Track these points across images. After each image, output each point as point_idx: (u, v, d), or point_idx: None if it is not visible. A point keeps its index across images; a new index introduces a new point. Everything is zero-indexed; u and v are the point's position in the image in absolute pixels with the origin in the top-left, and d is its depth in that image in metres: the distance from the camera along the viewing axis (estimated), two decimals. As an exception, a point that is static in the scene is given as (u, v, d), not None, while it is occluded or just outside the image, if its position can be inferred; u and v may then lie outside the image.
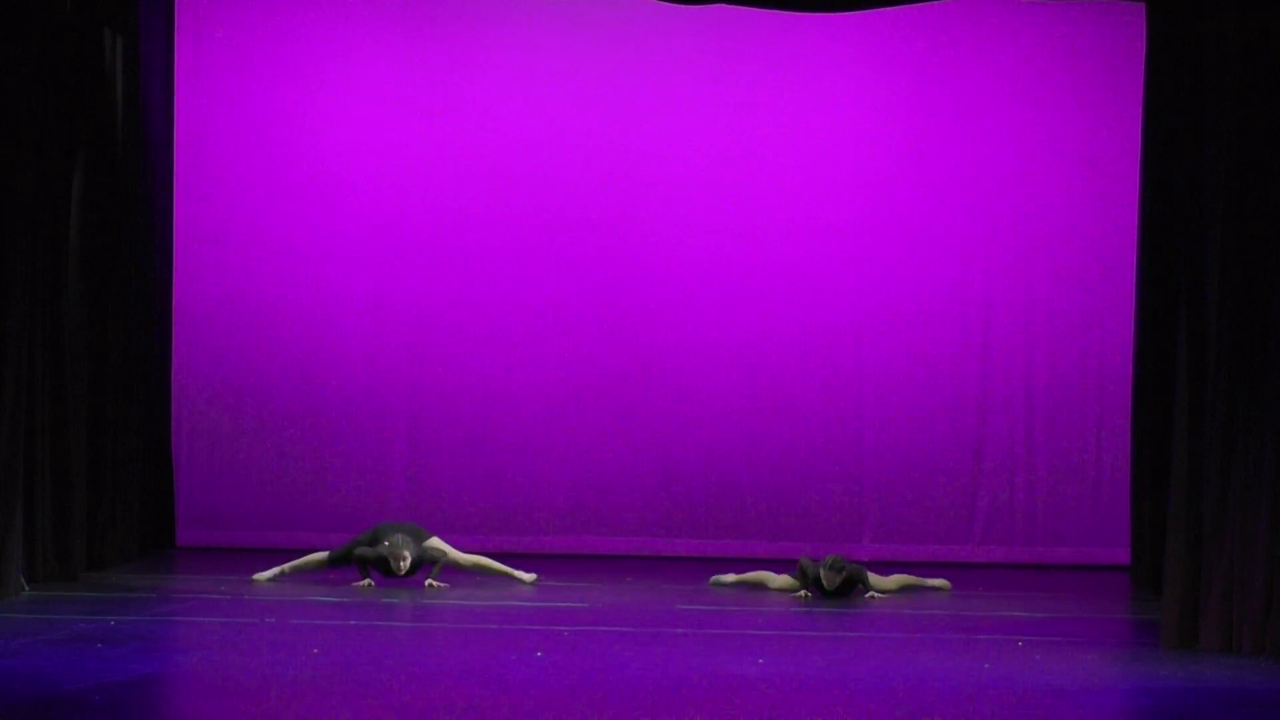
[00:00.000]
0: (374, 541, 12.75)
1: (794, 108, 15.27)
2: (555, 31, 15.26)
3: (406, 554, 12.54)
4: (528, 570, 13.25)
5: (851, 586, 12.49)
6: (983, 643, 10.37)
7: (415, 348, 15.14)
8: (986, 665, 9.51)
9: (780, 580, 12.79)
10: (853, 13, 14.24)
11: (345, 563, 12.84)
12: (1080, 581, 14.02)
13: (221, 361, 15.19)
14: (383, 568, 12.63)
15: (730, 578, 13.06)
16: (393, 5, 15.32)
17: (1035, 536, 15.14)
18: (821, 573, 12.39)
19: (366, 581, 12.57)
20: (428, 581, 12.57)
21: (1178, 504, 10.41)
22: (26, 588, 11.66)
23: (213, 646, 9.77)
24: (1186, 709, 8.49)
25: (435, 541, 12.83)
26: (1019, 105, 15.20)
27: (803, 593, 12.47)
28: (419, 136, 15.29)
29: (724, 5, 13.48)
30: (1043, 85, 15.17)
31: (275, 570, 12.91)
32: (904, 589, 12.88)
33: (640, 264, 15.28)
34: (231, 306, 15.19)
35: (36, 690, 8.19)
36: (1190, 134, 11.53)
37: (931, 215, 15.23)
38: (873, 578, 12.64)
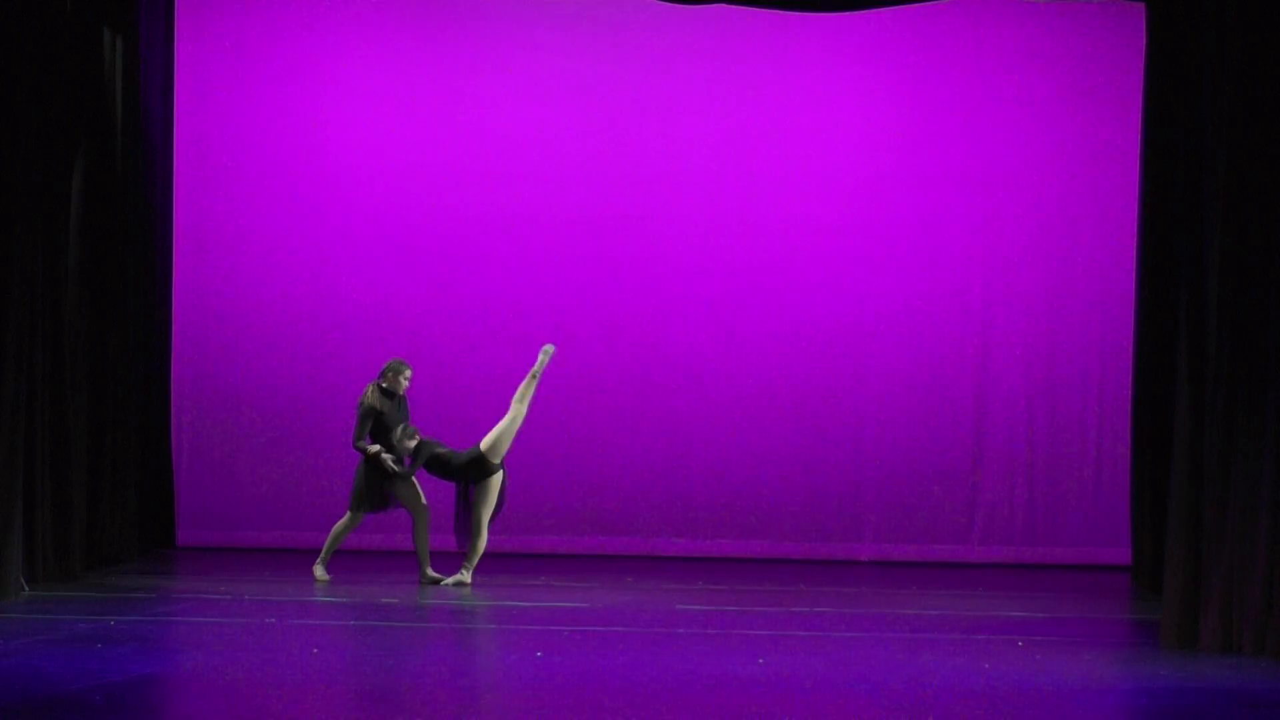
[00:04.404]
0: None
1: (794, 107, 15.27)
2: (555, 31, 15.26)
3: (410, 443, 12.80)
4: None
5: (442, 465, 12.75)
6: (983, 643, 10.37)
7: (415, 347, 15.13)
8: (986, 665, 9.51)
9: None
10: (852, 12, 14.24)
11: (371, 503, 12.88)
12: (1080, 581, 14.02)
13: (221, 361, 15.19)
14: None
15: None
16: (393, 5, 15.32)
17: (1035, 536, 15.15)
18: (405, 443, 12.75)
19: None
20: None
21: (1178, 504, 10.41)
22: (26, 588, 11.66)
23: (213, 646, 9.77)
24: (1186, 709, 8.49)
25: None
26: (1019, 104, 15.20)
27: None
28: (419, 136, 15.30)
29: (724, 5, 13.48)
30: (1043, 85, 15.18)
31: (321, 568, 12.94)
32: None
33: (640, 264, 15.29)
34: (231, 306, 15.19)
35: (36, 690, 8.19)
36: (1190, 133, 11.53)
37: (931, 215, 15.23)
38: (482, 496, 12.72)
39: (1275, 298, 10.08)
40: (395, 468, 12.75)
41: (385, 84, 15.28)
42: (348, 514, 12.92)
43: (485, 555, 12.99)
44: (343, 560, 13.37)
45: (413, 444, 12.82)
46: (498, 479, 12.80)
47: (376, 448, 12.75)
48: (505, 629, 10.85)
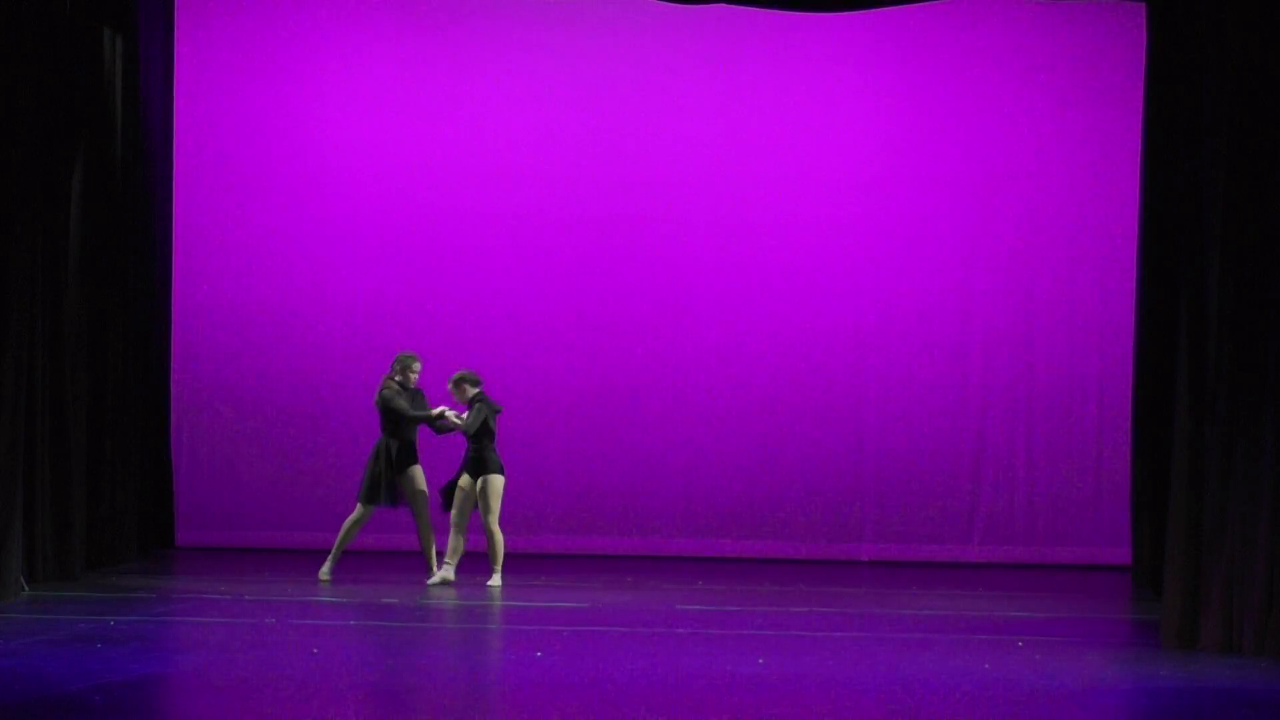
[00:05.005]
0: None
1: (794, 108, 15.27)
2: (555, 32, 15.26)
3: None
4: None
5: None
6: (983, 643, 10.37)
7: (413, 347, 15.12)
8: (986, 665, 9.51)
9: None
10: (853, 12, 14.24)
11: (377, 495, 12.87)
12: (1080, 581, 14.02)
13: (220, 361, 15.19)
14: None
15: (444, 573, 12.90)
16: (393, 6, 15.32)
17: (1035, 536, 15.15)
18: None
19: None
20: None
21: (1178, 504, 10.41)
22: (26, 588, 11.66)
23: (213, 646, 9.77)
24: (1186, 709, 8.49)
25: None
26: (1019, 105, 15.20)
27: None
28: (419, 136, 15.30)
29: (724, 5, 13.47)
30: (1043, 85, 15.18)
31: (328, 565, 12.95)
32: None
33: (640, 265, 15.29)
34: (231, 307, 15.19)
35: (36, 690, 8.19)
36: (1190, 134, 11.53)
37: (932, 216, 15.23)
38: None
39: (1276, 298, 10.07)
40: (457, 422, 12.78)
41: (385, 84, 15.28)
42: (358, 507, 12.90)
43: (484, 555, 12.98)
44: (343, 560, 13.37)
45: (475, 390, 12.77)
46: (474, 487, 12.77)
47: (441, 409, 12.78)
48: (505, 629, 10.86)
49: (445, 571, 12.75)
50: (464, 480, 12.80)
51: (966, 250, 15.24)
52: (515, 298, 15.26)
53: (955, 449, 15.17)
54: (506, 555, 13.03)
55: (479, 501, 12.72)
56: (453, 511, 12.81)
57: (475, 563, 13.27)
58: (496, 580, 12.71)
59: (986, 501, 15.18)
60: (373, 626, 10.83)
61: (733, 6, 13.50)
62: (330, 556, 13.00)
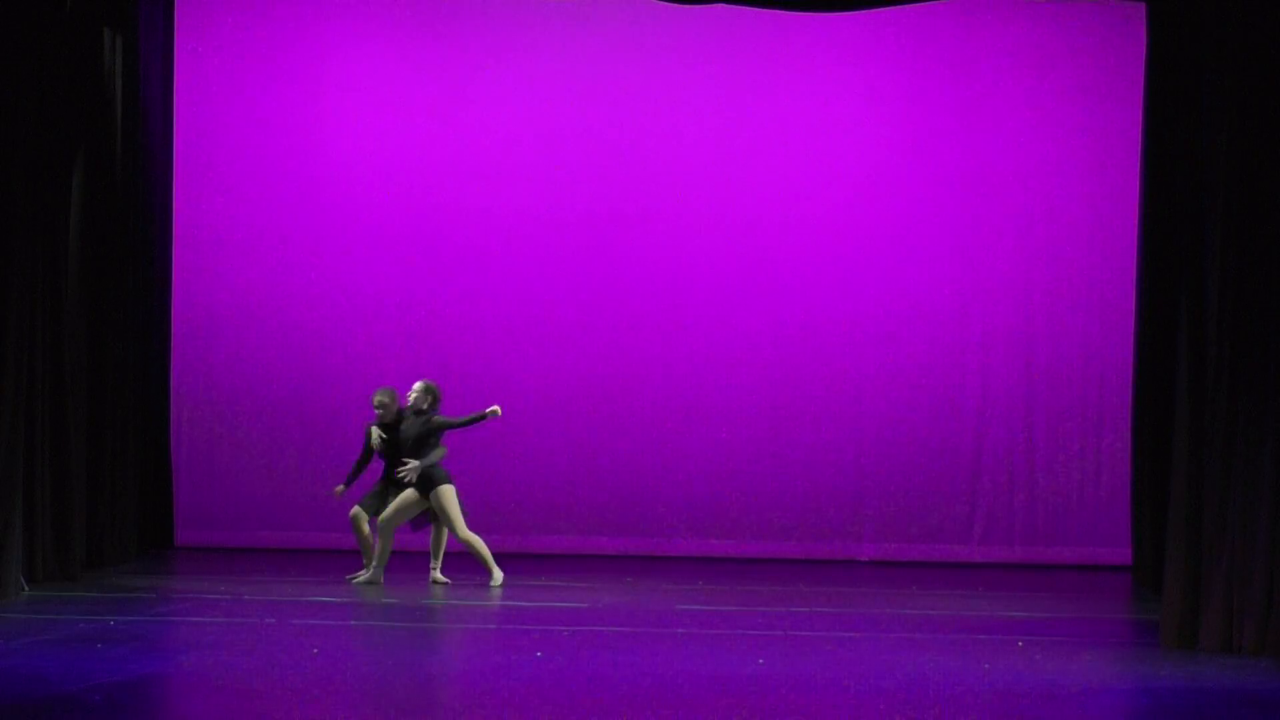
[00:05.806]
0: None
1: (794, 108, 15.27)
2: (555, 31, 15.26)
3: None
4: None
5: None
6: (983, 643, 10.37)
7: (414, 347, 15.16)
8: (986, 665, 9.51)
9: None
10: (852, 13, 14.24)
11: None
12: (1080, 581, 14.02)
13: (220, 362, 15.20)
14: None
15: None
16: (393, 6, 15.32)
17: (1035, 536, 15.15)
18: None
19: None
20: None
21: (1178, 504, 10.41)
22: (26, 588, 11.65)
23: (213, 646, 9.76)
24: (1186, 709, 8.49)
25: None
26: (1019, 105, 15.20)
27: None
28: (419, 136, 15.30)
29: (724, 5, 13.47)
30: (1043, 85, 15.19)
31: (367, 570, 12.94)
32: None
33: (640, 265, 15.29)
34: (230, 307, 15.20)
35: (36, 690, 8.19)
36: (1190, 134, 11.53)
37: (932, 216, 15.23)
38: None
39: (1276, 298, 10.07)
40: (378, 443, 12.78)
41: (385, 84, 15.28)
42: (355, 506, 12.89)
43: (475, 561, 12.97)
44: (343, 560, 13.37)
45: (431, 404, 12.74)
46: (421, 501, 12.72)
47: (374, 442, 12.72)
48: (505, 629, 10.86)
49: (375, 574, 12.67)
50: (409, 494, 12.67)
51: (966, 249, 15.24)
52: (514, 296, 15.26)
53: (955, 449, 15.18)
54: (498, 555, 13.00)
55: (439, 515, 12.63)
56: (384, 516, 12.67)
57: (473, 565, 13.26)
58: (496, 579, 12.71)
59: (986, 501, 15.18)
60: (373, 626, 10.83)
61: (733, 6, 13.50)
62: (370, 559, 12.88)
